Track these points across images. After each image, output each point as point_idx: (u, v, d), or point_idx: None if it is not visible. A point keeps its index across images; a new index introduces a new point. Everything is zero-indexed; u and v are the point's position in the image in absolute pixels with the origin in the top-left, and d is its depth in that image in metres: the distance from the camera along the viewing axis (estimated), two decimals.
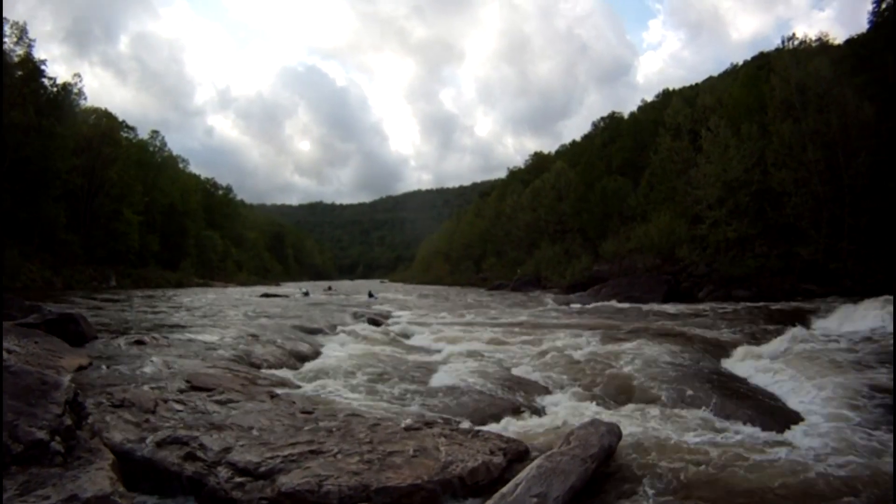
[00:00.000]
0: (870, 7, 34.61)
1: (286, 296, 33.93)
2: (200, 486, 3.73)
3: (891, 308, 13.25)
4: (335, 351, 10.66)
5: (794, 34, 37.18)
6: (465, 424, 5.50)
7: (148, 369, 6.79)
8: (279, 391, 6.37)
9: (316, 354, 10.23)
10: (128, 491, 3.40)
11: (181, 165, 75.26)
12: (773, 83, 30.44)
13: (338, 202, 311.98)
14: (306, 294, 36.18)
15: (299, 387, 7.18)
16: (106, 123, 50.19)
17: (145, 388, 5.68)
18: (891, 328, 11.36)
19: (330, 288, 52.54)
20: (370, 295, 35.52)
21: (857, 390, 6.78)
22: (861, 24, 41.00)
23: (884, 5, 33.13)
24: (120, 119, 57.37)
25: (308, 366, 8.96)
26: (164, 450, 4.04)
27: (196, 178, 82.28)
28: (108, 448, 3.78)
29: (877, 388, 6.84)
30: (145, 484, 3.79)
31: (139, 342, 8.86)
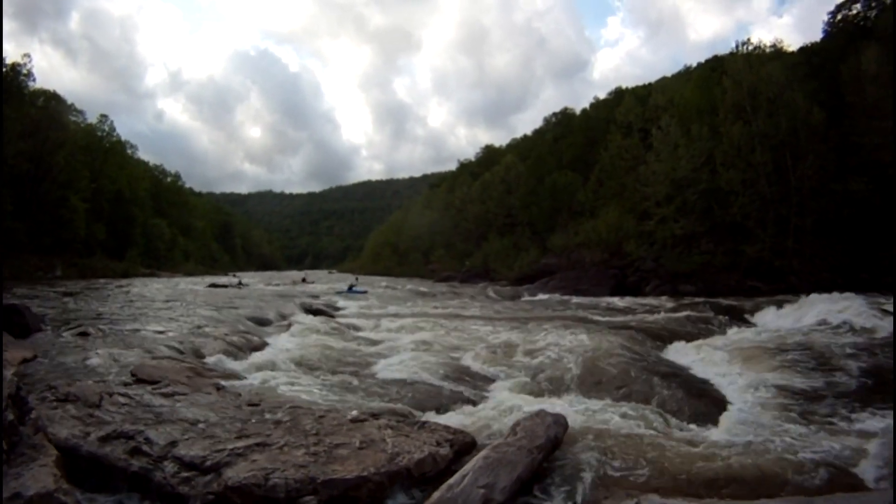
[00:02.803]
0: (825, 17, 35.82)
1: (235, 286, 33.18)
2: (146, 482, 3.72)
3: (829, 305, 13.82)
4: (283, 342, 10.60)
5: (748, 39, 38.11)
6: (412, 416, 5.61)
7: (93, 362, 6.70)
8: (225, 383, 6.36)
9: (263, 345, 10.16)
10: (73, 487, 3.38)
11: (129, 151, 72.71)
12: (725, 85, 31.05)
13: (287, 191, 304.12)
14: (240, 284, 34.65)
15: (245, 378, 7.16)
16: (54, 106, 48.26)
17: (90, 381, 5.62)
18: (826, 324, 11.83)
19: (304, 279, 49.67)
20: (350, 288, 31.18)
21: (787, 382, 7.18)
22: (817, 33, 42.32)
23: (839, 16, 34.24)
24: (68, 102, 55.27)
25: (255, 357, 8.89)
26: (109, 445, 4.02)
27: (144, 164, 79.80)
28: (52, 444, 3.73)
29: (806, 381, 7.26)
30: (91, 480, 3.76)
31: (84, 334, 8.72)
